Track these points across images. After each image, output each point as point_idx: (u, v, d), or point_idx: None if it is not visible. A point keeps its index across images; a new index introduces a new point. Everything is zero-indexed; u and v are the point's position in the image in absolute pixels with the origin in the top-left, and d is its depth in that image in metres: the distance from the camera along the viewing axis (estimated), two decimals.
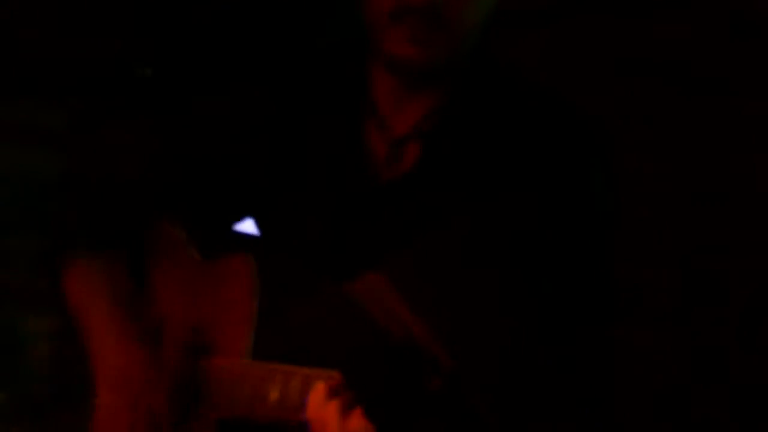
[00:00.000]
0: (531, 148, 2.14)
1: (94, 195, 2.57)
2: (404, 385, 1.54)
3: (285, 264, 2.14)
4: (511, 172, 2.12)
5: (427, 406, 1.49)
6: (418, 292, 1.60)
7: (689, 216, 5.67)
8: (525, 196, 2.09)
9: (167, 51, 3.90)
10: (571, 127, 2.20)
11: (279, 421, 1.94)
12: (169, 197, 2.35)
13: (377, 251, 2.03)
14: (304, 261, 2.15)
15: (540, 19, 5.21)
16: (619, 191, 2.23)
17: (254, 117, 2.31)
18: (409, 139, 2.19)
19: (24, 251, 3.91)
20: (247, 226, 2.31)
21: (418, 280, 1.70)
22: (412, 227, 2.11)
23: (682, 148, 5.64)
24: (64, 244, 2.42)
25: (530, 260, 2.05)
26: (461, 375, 1.45)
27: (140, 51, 3.91)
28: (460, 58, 2.17)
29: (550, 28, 5.41)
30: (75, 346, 3.53)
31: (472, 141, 2.16)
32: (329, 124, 2.24)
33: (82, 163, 3.89)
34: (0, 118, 3.96)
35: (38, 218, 3.91)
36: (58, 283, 2.40)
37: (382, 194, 2.17)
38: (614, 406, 2.09)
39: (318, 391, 1.86)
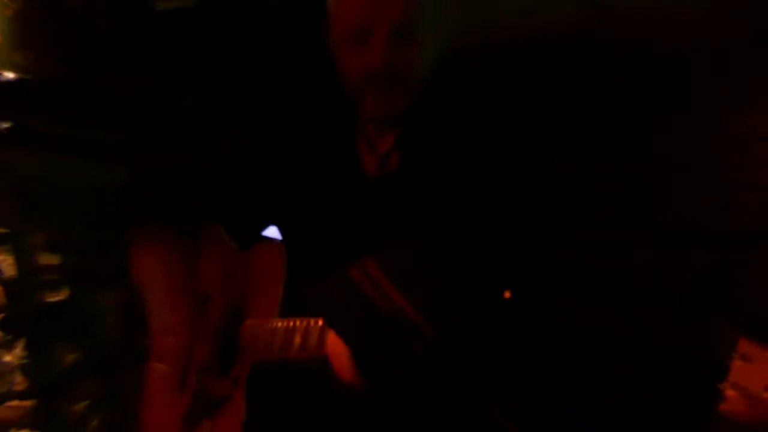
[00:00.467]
0: (480, 149, 2.14)
1: (155, 196, 2.60)
2: (390, 346, 1.56)
3: (306, 251, 2.16)
4: (466, 169, 2.12)
5: (412, 365, 1.50)
6: (401, 274, 1.60)
7: (612, 219, 5.69)
8: (479, 185, 2.09)
9: (204, 88, 3.91)
10: (518, 126, 2.20)
11: (302, 359, 2.01)
12: (213, 199, 2.35)
13: (375, 227, 2.04)
14: (321, 247, 2.14)
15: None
16: (555, 179, 2.20)
17: (281, 142, 2.30)
18: (390, 155, 2.19)
19: (94, 242, 3.93)
20: (271, 231, 2.32)
21: (401, 266, 1.65)
22: (396, 207, 2.10)
23: (613, 153, 5.66)
24: (134, 232, 2.42)
25: (487, 233, 2.03)
26: (438, 340, 1.44)
27: (183, 87, 3.92)
28: (417, 99, 2.16)
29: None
30: (133, 316, 3.55)
31: (436, 148, 2.16)
32: (337, 146, 2.24)
33: (145, 171, 3.94)
34: (75, 138, 3.89)
35: (104, 216, 3.93)
36: (129, 260, 2.41)
37: (374, 187, 2.17)
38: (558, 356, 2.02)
39: (334, 342, 1.92)
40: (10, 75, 3.74)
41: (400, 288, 1.45)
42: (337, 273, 1.71)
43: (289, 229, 2.28)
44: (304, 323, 2.02)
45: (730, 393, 1.76)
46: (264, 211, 2.31)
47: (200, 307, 2.28)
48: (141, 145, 4.02)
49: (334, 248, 2.11)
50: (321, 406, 2.05)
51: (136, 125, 4.04)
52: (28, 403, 3.77)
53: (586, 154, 5.64)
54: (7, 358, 3.76)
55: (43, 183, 3.85)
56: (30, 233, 3.83)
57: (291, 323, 2.05)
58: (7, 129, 3.72)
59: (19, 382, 3.77)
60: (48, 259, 3.85)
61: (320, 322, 1.98)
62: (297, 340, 2.02)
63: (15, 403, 3.75)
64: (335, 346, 1.90)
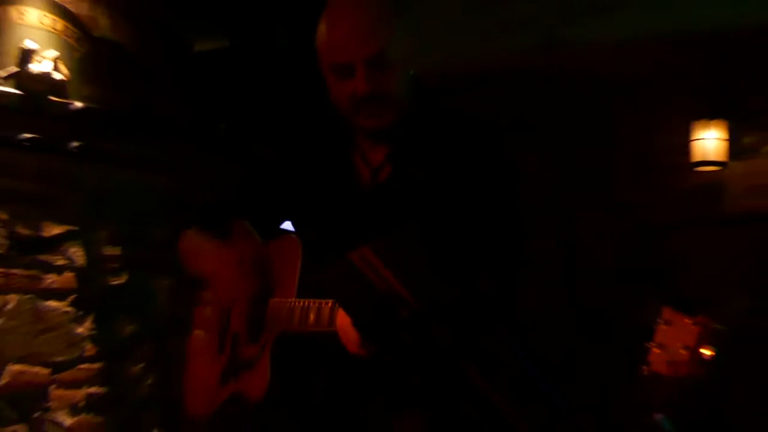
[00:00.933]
0: (459, 155, 2.10)
1: (200, 198, 2.57)
2: (383, 316, 1.56)
3: (315, 243, 2.14)
4: (444, 175, 2.09)
5: (400, 329, 1.51)
6: (393, 258, 1.59)
7: (565, 213, 5.69)
8: (458, 186, 2.07)
9: (235, 116, 3.91)
10: (485, 138, 2.15)
11: (317, 332, 1.99)
12: (242, 201, 2.30)
13: (370, 227, 1.98)
14: (327, 240, 2.12)
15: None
16: (518, 180, 2.16)
17: (293, 157, 2.26)
18: (383, 165, 2.14)
19: (149, 237, 3.93)
20: (287, 224, 2.30)
21: (392, 252, 1.63)
22: (388, 211, 2.07)
23: (564, 156, 5.66)
24: (183, 225, 2.35)
25: (463, 222, 2.02)
26: (422, 309, 1.45)
27: (219, 115, 3.92)
28: (403, 115, 2.10)
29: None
30: (181, 297, 3.55)
31: (422, 158, 2.12)
32: (335, 159, 2.20)
33: (191, 178, 3.94)
34: (130, 154, 3.90)
35: (155, 216, 3.93)
36: (176, 250, 2.35)
37: (368, 195, 2.12)
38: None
39: (343, 312, 1.90)
40: (79, 104, 3.75)
41: (392, 270, 1.45)
42: (341, 259, 1.68)
43: (300, 225, 2.25)
44: (317, 303, 1.99)
45: (655, 351, 1.77)
46: (280, 210, 2.27)
47: (234, 287, 2.22)
48: (186, 160, 4.02)
49: (337, 242, 2.02)
50: (332, 370, 2.04)
51: (182, 145, 4.05)
52: (96, 365, 3.80)
53: (541, 163, 5.64)
54: (79, 329, 3.76)
55: (106, 190, 3.86)
56: (96, 230, 3.84)
57: (307, 303, 2.02)
58: (77, 147, 3.73)
59: (88, 348, 3.77)
60: (111, 251, 3.87)
61: (330, 303, 1.97)
62: (312, 317, 2.00)
63: (86, 365, 3.77)
64: (343, 323, 1.91)
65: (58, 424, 3.68)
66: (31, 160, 3.66)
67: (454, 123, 2.18)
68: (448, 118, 2.19)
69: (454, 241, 2.01)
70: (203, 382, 2.29)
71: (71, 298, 3.74)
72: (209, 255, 2.25)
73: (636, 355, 1.79)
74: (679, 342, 1.74)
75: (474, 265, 1.95)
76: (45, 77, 3.64)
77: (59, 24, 3.74)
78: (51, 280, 3.70)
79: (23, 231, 3.63)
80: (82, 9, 3.82)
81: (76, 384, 3.73)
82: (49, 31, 3.71)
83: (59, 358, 3.70)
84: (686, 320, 1.75)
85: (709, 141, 5.14)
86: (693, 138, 5.19)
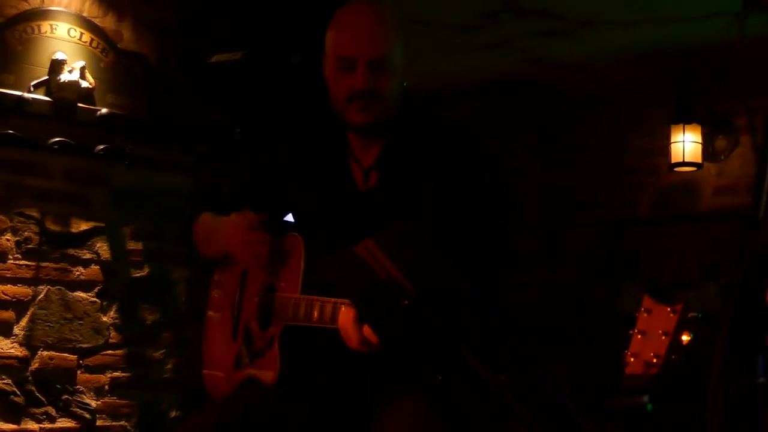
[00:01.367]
0: (443, 161, 2.12)
1: (214, 191, 2.60)
2: (386, 303, 1.56)
3: (317, 239, 2.12)
4: (432, 177, 2.10)
5: (400, 315, 1.51)
6: (394, 250, 1.58)
7: (545, 207, 5.71)
8: (443, 190, 2.09)
9: (249, 123, 3.90)
10: (467, 146, 2.18)
11: (321, 327, 2.00)
12: (250, 197, 2.30)
13: (362, 225, 1.93)
14: (326, 237, 2.11)
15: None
16: (499, 183, 2.19)
17: (293, 160, 2.27)
18: (372, 169, 2.17)
19: (169, 232, 3.91)
20: (290, 218, 2.32)
21: (393, 244, 1.62)
22: (377, 211, 2.09)
23: (543, 162, 5.68)
24: (196, 214, 2.36)
25: (451, 220, 2.05)
26: (420, 297, 1.45)
27: (235, 122, 3.91)
28: (393, 115, 2.15)
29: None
30: (198, 287, 3.53)
31: (408, 164, 2.14)
32: (330, 161, 2.21)
33: (207, 178, 3.92)
34: (151, 157, 3.87)
35: (177, 213, 3.91)
36: (191, 231, 2.36)
37: (361, 198, 2.14)
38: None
39: (344, 311, 1.92)
40: (104, 110, 3.75)
41: (393, 260, 1.45)
42: (346, 250, 1.67)
43: (299, 221, 2.26)
44: (320, 301, 2.00)
45: (637, 337, 1.76)
46: (282, 206, 2.30)
47: (245, 275, 2.24)
48: (204, 161, 4.00)
49: (331, 237, 2.07)
50: (336, 355, 2.03)
51: (200, 147, 4.04)
52: (120, 351, 3.79)
53: (526, 166, 5.64)
54: (104, 318, 3.76)
55: (130, 189, 3.85)
56: (121, 226, 3.84)
57: (310, 300, 2.03)
58: (103, 150, 3.72)
59: (113, 336, 3.77)
60: (134, 245, 3.86)
61: (332, 302, 1.97)
62: (315, 314, 2.00)
63: (110, 351, 3.77)
64: (344, 322, 1.91)
65: (85, 406, 3.68)
66: (60, 162, 3.67)
67: (438, 129, 2.19)
68: (433, 125, 2.20)
69: (443, 236, 2.00)
70: (219, 365, 2.28)
71: (97, 289, 3.74)
72: (221, 231, 2.25)
73: (621, 341, 1.78)
74: (657, 328, 1.73)
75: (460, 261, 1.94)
76: (73, 86, 3.65)
77: (86, 37, 3.76)
78: (78, 272, 3.69)
79: (53, 227, 3.65)
80: (107, 23, 3.85)
81: (101, 368, 3.73)
82: (77, 43, 3.72)
83: (86, 345, 3.69)
84: (665, 308, 1.74)
85: (686, 144, 5.15)
86: (671, 141, 5.20)
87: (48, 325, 3.59)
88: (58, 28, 3.68)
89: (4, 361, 3.49)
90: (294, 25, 4.05)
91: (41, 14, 3.65)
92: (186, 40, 4.04)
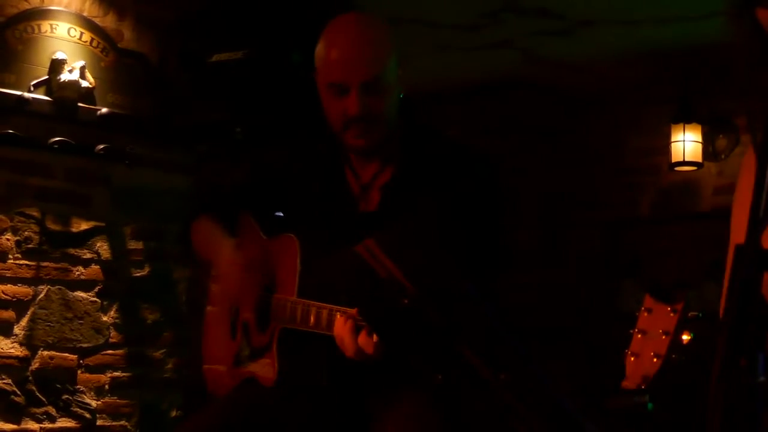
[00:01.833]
0: (445, 177, 2.10)
1: (214, 191, 2.60)
2: (386, 303, 1.52)
3: (313, 241, 2.11)
4: (434, 194, 2.07)
5: (400, 315, 1.48)
6: (395, 250, 1.52)
7: (546, 206, 5.70)
8: (446, 205, 2.05)
9: (249, 122, 3.90)
10: (469, 161, 2.15)
11: (317, 332, 2.00)
12: (249, 197, 2.30)
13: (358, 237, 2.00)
14: (322, 241, 2.09)
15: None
16: (502, 191, 2.18)
17: (292, 162, 2.26)
18: (371, 186, 2.14)
19: (169, 232, 3.89)
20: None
21: (394, 244, 1.58)
22: (377, 226, 2.03)
23: (543, 162, 5.67)
24: (195, 213, 2.35)
25: (454, 231, 2.03)
26: (419, 297, 1.41)
27: (235, 121, 3.90)
28: (391, 134, 2.11)
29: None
30: (198, 286, 3.52)
31: (409, 185, 2.10)
32: (329, 173, 2.18)
33: (208, 177, 3.92)
34: (152, 156, 3.86)
35: (178, 213, 3.91)
36: (189, 233, 2.35)
37: (359, 221, 2.09)
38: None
39: (339, 319, 1.92)
40: (105, 110, 3.75)
41: (393, 259, 1.45)
42: (346, 249, 1.70)
43: (297, 223, 2.22)
44: (316, 307, 1.99)
45: (637, 336, 1.76)
46: (278, 208, 2.29)
47: (243, 273, 2.21)
48: (205, 161, 4.00)
49: (329, 241, 2.06)
50: (334, 361, 2.02)
51: (201, 147, 4.03)
52: (120, 351, 3.78)
53: (528, 164, 5.64)
54: (105, 318, 3.76)
55: (130, 189, 3.85)
56: (121, 226, 3.83)
57: (307, 305, 2.02)
58: (103, 150, 3.72)
59: (113, 335, 3.77)
60: (134, 245, 3.86)
61: (327, 309, 1.96)
62: (312, 319, 1.99)
63: (110, 351, 3.76)
64: (339, 332, 1.90)
65: (85, 406, 3.68)
66: (61, 161, 3.66)
67: (442, 149, 2.15)
68: (437, 144, 2.16)
69: (446, 241, 1.99)
70: (219, 363, 2.27)
71: (97, 288, 3.73)
72: (219, 254, 2.23)
73: (622, 341, 1.78)
74: (658, 327, 1.73)
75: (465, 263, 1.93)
76: (73, 85, 3.64)
77: (87, 36, 3.75)
78: (79, 272, 3.68)
79: (53, 227, 3.64)
80: (107, 22, 3.84)
81: (101, 368, 3.72)
82: (77, 42, 3.71)
83: (86, 344, 3.69)
84: (666, 307, 1.74)
85: (687, 143, 5.15)
86: (671, 140, 5.21)
87: (48, 325, 3.58)
88: (58, 27, 3.67)
89: (5, 360, 3.48)
90: (294, 25, 4.05)
91: (41, 14, 3.65)
92: (186, 39, 4.03)
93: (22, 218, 3.56)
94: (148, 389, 3.84)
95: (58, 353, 3.60)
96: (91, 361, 3.69)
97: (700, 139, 5.17)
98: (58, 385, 3.60)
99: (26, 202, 3.58)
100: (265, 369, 2.11)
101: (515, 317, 2.02)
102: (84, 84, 3.67)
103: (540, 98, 5.68)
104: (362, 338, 1.86)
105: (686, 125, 5.14)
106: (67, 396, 3.62)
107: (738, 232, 1.11)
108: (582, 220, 5.63)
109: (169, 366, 3.89)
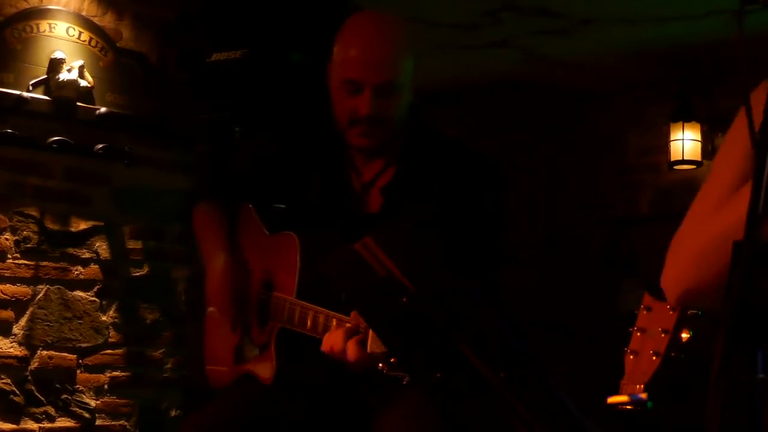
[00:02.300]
0: (448, 179, 2.09)
1: (216, 176, 2.59)
2: (385, 301, 1.51)
3: (314, 239, 2.10)
4: (436, 197, 2.06)
5: (399, 313, 1.48)
6: (393, 247, 1.52)
7: (546, 205, 5.70)
8: (448, 208, 2.05)
9: (249, 122, 3.90)
10: (474, 163, 2.15)
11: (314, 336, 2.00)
12: (251, 184, 2.30)
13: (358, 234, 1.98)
14: (323, 239, 2.08)
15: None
16: (505, 194, 2.19)
17: (295, 154, 2.24)
18: (371, 185, 2.14)
19: (169, 231, 3.92)
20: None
21: (393, 242, 1.59)
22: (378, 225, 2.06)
23: (542, 161, 5.67)
24: (196, 198, 2.36)
25: (456, 232, 2.02)
26: (419, 295, 1.41)
27: (234, 120, 3.91)
28: (396, 136, 2.11)
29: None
30: (198, 286, 3.52)
31: (411, 186, 2.10)
32: (331, 168, 2.18)
33: (211, 170, 3.91)
34: (151, 155, 3.86)
35: (177, 212, 3.92)
36: (191, 220, 2.34)
37: (362, 221, 2.07)
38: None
39: (332, 329, 1.92)
40: (103, 109, 3.75)
41: (392, 257, 1.45)
42: (344, 247, 1.70)
43: (297, 216, 2.22)
44: (313, 311, 1.98)
45: (636, 334, 1.75)
46: (279, 199, 2.28)
47: (242, 270, 2.22)
48: (204, 160, 3.99)
49: (330, 239, 2.04)
50: (331, 365, 2.01)
51: (200, 146, 4.03)
52: (119, 351, 3.79)
53: (527, 163, 5.64)
54: (104, 317, 3.76)
55: (129, 188, 3.85)
56: (120, 225, 3.83)
57: (305, 308, 2.01)
58: (102, 149, 3.72)
59: (112, 335, 3.77)
60: (133, 244, 3.86)
61: (324, 313, 1.95)
62: (309, 322, 1.99)
63: (110, 351, 3.76)
64: (330, 338, 1.89)
65: (85, 405, 3.68)
66: (60, 161, 3.66)
67: (448, 151, 2.14)
68: (443, 146, 2.15)
69: (446, 237, 2.00)
70: (220, 356, 2.28)
71: (96, 288, 3.73)
72: (219, 223, 2.25)
73: (621, 339, 1.78)
74: (657, 325, 1.72)
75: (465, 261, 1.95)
76: (72, 84, 3.64)
77: (85, 35, 3.75)
78: (78, 271, 3.69)
79: (52, 226, 3.64)
80: (106, 22, 3.84)
81: (100, 368, 3.73)
82: (76, 42, 3.72)
83: (85, 344, 3.69)
84: (665, 306, 1.74)
85: (686, 142, 5.15)
86: (671, 139, 5.21)
87: (47, 325, 3.59)
88: (57, 26, 3.67)
89: (4, 360, 3.49)
90: (294, 24, 4.06)
91: (40, 13, 3.65)
92: (185, 38, 4.04)
93: (21, 218, 3.57)
94: (147, 389, 3.84)
95: (57, 353, 3.61)
96: (90, 360, 3.69)
97: (699, 138, 5.17)
98: (58, 385, 3.61)
99: (25, 202, 3.59)
100: (263, 367, 2.10)
101: (515, 316, 2.02)
102: (83, 83, 3.67)
103: (539, 97, 5.68)
104: (351, 347, 1.85)
105: (685, 124, 5.14)
106: (66, 396, 3.63)
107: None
108: (581, 219, 5.63)
109: (169, 365, 3.89)
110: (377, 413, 2.03)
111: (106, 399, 3.72)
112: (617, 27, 4.66)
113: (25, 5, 3.63)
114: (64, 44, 3.67)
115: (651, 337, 1.73)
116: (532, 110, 5.68)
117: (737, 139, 1.19)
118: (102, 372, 3.72)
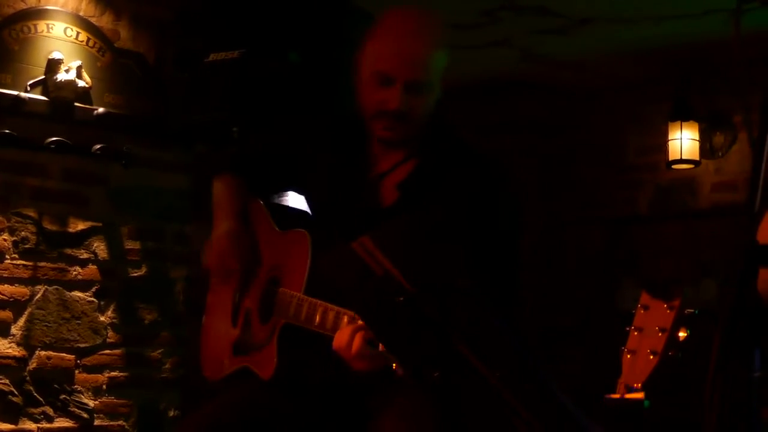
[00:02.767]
0: (463, 181, 2.08)
1: (242, 151, 2.58)
2: (382, 300, 1.53)
3: (322, 236, 2.09)
4: (450, 196, 2.05)
5: (396, 312, 1.50)
6: (390, 247, 1.56)
7: (544, 204, 5.70)
8: (461, 210, 2.03)
9: (246, 122, 3.90)
10: (487, 167, 2.13)
11: (321, 332, 1.99)
12: (268, 162, 2.28)
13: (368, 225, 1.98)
14: (334, 234, 2.05)
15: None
16: (518, 202, 2.18)
17: (313, 142, 2.24)
18: (387, 175, 2.13)
19: (167, 232, 3.93)
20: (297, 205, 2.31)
21: (390, 241, 1.59)
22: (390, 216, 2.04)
23: (542, 160, 5.67)
24: (219, 169, 2.34)
25: (468, 236, 2.01)
26: (416, 294, 1.44)
27: (232, 121, 3.91)
28: (421, 129, 2.10)
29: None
30: (196, 286, 3.51)
31: (427, 184, 2.09)
32: (350, 154, 2.17)
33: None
34: (148, 155, 3.88)
35: (174, 212, 3.92)
36: (211, 188, 2.33)
37: (376, 214, 2.05)
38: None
39: (343, 325, 1.91)
40: (101, 110, 3.75)
41: (389, 257, 1.45)
42: (343, 246, 1.65)
43: (312, 205, 2.23)
44: (323, 307, 1.97)
45: (633, 333, 1.75)
46: (292, 181, 2.28)
47: (250, 260, 2.21)
48: (202, 160, 4.00)
49: (343, 228, 2.00)
50: (332, 359, 2.01)
51: (198, 147, 4.03)
52: (118, 351, 3.79)
53: (526, 162, 5.64)
54: (102, 318, 3.76)
55: (127, 188, 3.85)
56: (118, 226, 3.84)
57: (314, 303, 1.99)
58: (100, 149, 3.72)
59: (110, 335, 3.77)
60: (132, 245, 3.86)
61: (335, 310, 1.94)
62: (317, 318, 1.97)
63: (108, 351, 3.77)
64: (342, 335, 1.88)
65: (83, 406, 3.68)
66: (57, 161, 3.67)
67: (468, 159, 2.14)
68: (463, 153, 2.15)
69: (448, 239, 1.94)
70: (217, 347, 2.27)
71: (95, 288, 3.74)
72: (237, 195, 2.25)
73: (618, 338, 1.78)
74: (655, 324, 1.73)
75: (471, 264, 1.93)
76: (70, 85, 3.65)
77: (83, 36, 3.75)
78: (76, 272, 3.69)
79: (51, 227, 3.65)
80: (104, 22, 3.84)
81: (99, 368, 3.73)
82: (73, 42, 3.72)
83: (83, 345, 3.69)
84: (662, 304, 1.74)
85: (684, 141, 5.15)
86: (669, 138, 5.20)
87: (46, 325, 3.59)
88: (54, 27, 3.67)
89: (2, 361, 3.49)
90: (292, 24, 4.05)
91: (38, 13, 3.65)
92: (183, 39, 4.04)
93: (19, 218, 3.57)
94: (145, 389, 3.84)
95: (55, 353, 3.61)
96: (88, 361, 3.70)
97: (697, 137, 5.17)
98: (56, 385, 3.61)
99: (23, 203, 3.59)
100: (263, 363, 2.09)
101: (514, 316, 2.01)
102: (81, 84, 3.68)
103: (539, 96, 5.68)
104: (356, 340, 1.84)
105: (683, 123, 5.14)
106: (64, 396, 3.63)
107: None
108: (581, 219, 5.63)
109: (167, 366, 3.89)
110: (375, 413, 2.01)
111: (104, 399, 3.73)
112: (616, 26, 4.66)
113: (22, 6, 3.63)
114: (61, 45, 3.67)
115: (648, 336, 1.73)
116: (531, 109, 5.68)
117: None
118: (100, 372, 3.73)
